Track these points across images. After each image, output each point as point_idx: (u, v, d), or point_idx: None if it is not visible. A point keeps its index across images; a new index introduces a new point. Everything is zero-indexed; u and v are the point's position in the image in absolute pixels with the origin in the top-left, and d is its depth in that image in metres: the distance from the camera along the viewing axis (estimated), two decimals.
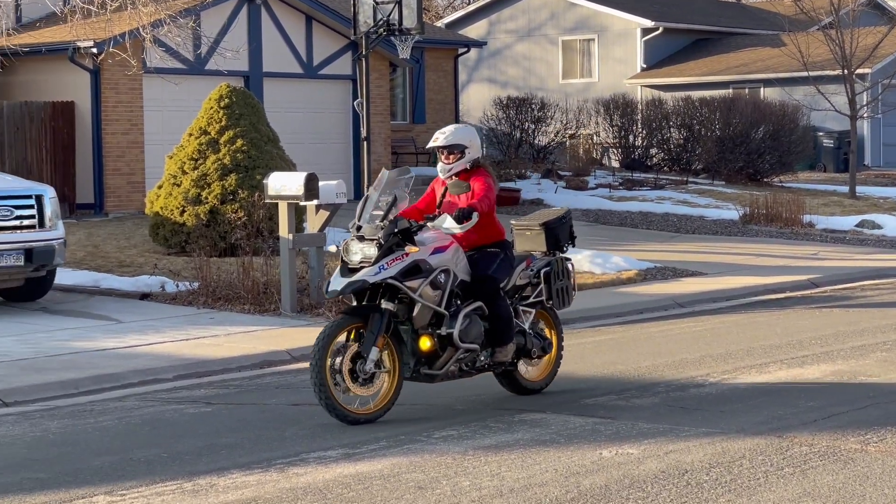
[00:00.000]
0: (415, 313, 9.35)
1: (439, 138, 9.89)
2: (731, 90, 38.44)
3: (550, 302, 10.36)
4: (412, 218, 9.69)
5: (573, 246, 10.77)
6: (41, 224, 14.93)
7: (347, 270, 9.25)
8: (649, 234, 24.13)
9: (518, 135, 35.50)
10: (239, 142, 19.03)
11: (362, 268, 9.18)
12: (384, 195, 9.45)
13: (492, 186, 9.84)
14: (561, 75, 44.10)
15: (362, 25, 19.39)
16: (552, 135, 35.92)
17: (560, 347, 10.64)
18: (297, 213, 15.63)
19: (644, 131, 35.38)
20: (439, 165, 9.98)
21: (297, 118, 26.97)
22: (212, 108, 19.32)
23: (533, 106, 35.59)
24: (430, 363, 9.50)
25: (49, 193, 15.24)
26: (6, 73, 24.50)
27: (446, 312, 9.46)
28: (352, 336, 9.20)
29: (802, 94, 35.40)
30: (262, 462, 8.25)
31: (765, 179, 33.71)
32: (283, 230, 14.98)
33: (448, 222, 9.65)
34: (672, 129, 34.72)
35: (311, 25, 27.70)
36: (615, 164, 36.37)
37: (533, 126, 35.69)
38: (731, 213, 26.60)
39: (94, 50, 23.81)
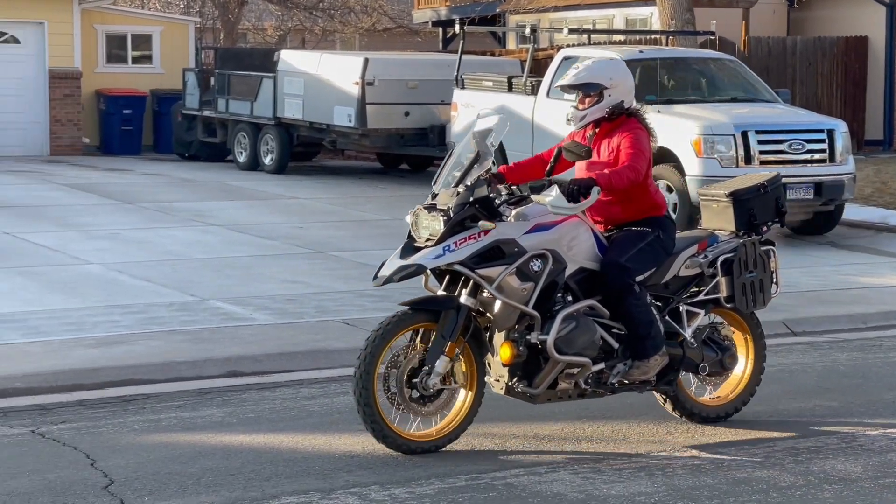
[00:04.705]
0: (494, 312, 6.93)
1: (569, 74, 7.29)
2: None
3: (732, 302, 7.50)
4: (531, 173, 7.30)
5: (781, 225, 7.80)
6: (831, 158, 15.05)
7: (411, 249, 6.92)
8: None
9: None
10: None
11: (428, 247, 6.91)
12: (468, 150, 7.01)
13: (643, 149, 7.11)
14: None
15: None
16: None
17: (760, 360, 7.76)
18: None
19: None
20: (570, 111, 7.38)
21: None
22: None
23: None
24: (528, 378, 7.06)
25: (840, 128, 15.31)
26: (801, 8, 24.85)
27: (535, 313, 6.91)
28: (417, 337, 6.94)
29: None
30: None
31: None
32: None
33: (556, 197, 6.98)
34: None
35: None
36: None
37: None
38: None
39: None
